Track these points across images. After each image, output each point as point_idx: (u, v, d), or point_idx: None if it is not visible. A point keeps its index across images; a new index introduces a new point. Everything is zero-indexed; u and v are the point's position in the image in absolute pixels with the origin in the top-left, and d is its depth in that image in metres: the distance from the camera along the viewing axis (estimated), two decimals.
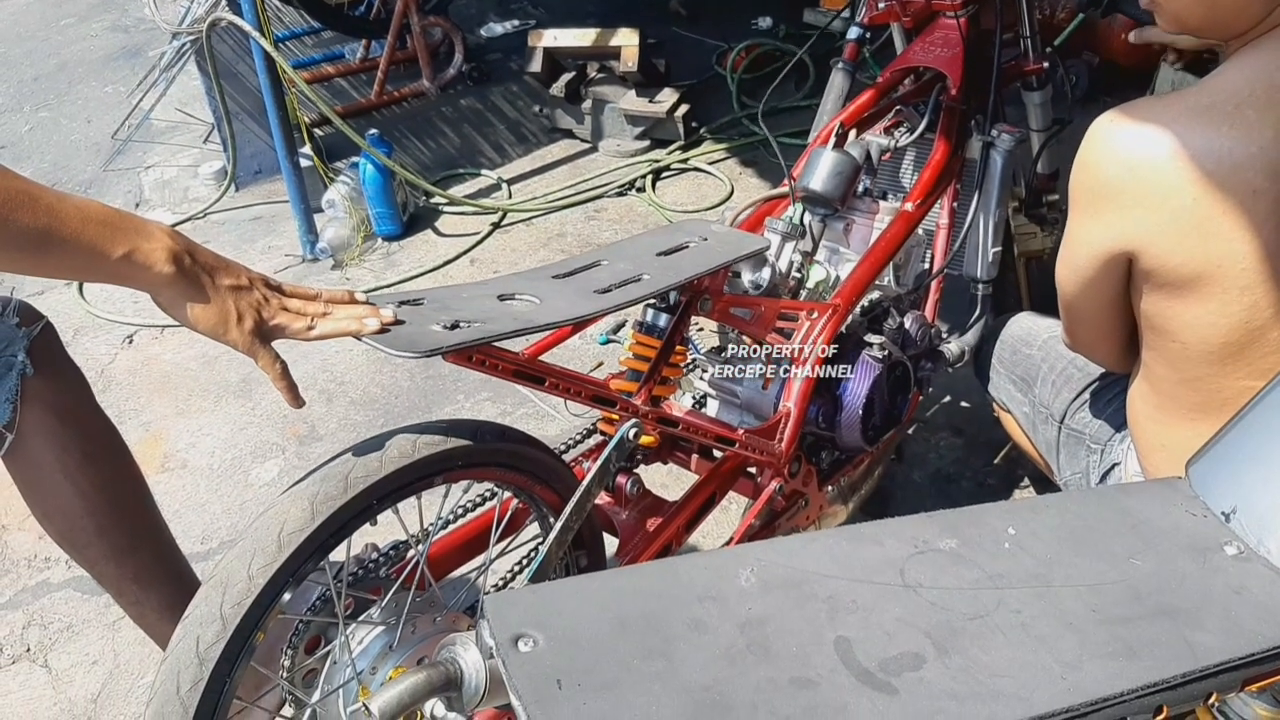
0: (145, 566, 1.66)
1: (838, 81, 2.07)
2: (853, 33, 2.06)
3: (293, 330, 1.15)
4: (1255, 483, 0.95)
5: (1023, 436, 1.87)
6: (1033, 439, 1.82)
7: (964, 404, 2.53)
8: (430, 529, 1.38)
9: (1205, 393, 1.31)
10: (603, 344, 2.77)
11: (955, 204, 1.98)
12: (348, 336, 1.18)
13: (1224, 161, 1.17)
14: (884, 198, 1.94)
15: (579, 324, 1.39)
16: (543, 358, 1.52)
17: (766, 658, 0.78)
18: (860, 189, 1.87)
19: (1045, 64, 2.09)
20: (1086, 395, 1.69)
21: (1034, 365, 1.80)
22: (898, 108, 1.99)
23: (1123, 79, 3.57)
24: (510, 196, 3.80)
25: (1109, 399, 1.66)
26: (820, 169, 1.79)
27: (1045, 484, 1.96)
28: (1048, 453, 1.77)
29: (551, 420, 2.64)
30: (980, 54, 1.96)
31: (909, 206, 1.85)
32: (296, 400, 1.21)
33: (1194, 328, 1.27)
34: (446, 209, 3.71)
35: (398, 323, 1.19)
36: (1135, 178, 1.22)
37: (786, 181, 1.84)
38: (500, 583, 1.64)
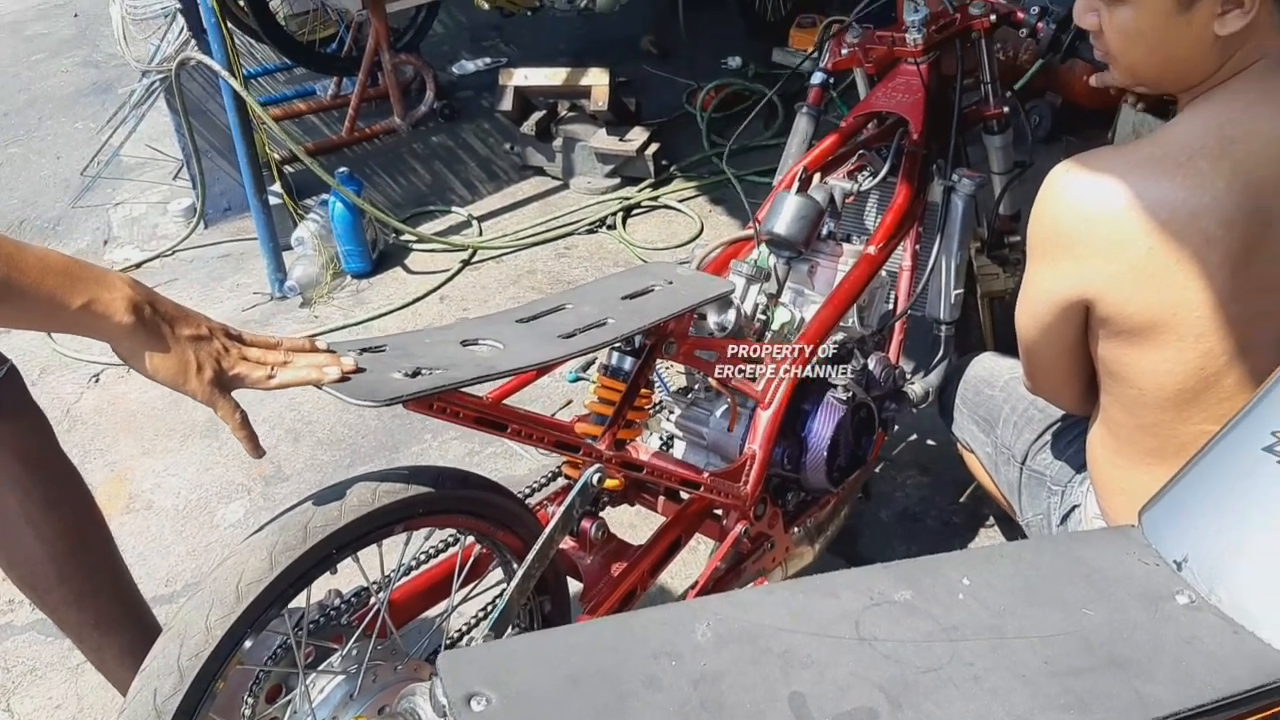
0: (106, 612, 1.64)
1: (802, 126, 2.09)
2: (817, 78, 2.09)
3: (252, 380, 1.15)
4: (1206, 531, 0.96)
5: (986, 476, 1.89)
6: (995, 479, 1.84)
7: (930, 442, 2.54)
8: (392, 576, 1.38)
9: (1162, 438, 1.33)
10: (572, 381, 2.75)
11: (918, 246, 2.01)
12: (308, 385, 1.17)
13: (1178, 211, 1.18)
14: (848, 240, 1.96)
15: (542, 369, 1.39)
16: (510, 399, 1.53)
17: (720, 715, 0.78)
18: (824, 232, 1.89)
19: (1005, 109, 2.13)
20: (1048, 436, 1.71)
21: (996, 406, 1.82)
22: (861, 152, 2.01)
23: (1085, 119, 3.64)
24: (480, 234, 3.81)
25: (1069, 440, 1.67)
26: (784, 213, 1.81)
27: (1010, 523, 1.97)
28: (1010, 493, 1.79)
29: (520, 459, 2.64)
30: (941, 99, 1.99)
31: (872, 249, 1.87)
32: (256, 450, 1.21)
33: (1150, 374, 1.29)
34: (416, 246, 3.71)
35: (358, 370, 1.19)
36: (1091, 228, 1.24)
37: (751, 224, 1.86)
38: (465, 627, 1.63)
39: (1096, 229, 1.24)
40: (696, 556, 2.16)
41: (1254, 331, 1.23)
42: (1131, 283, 1.23)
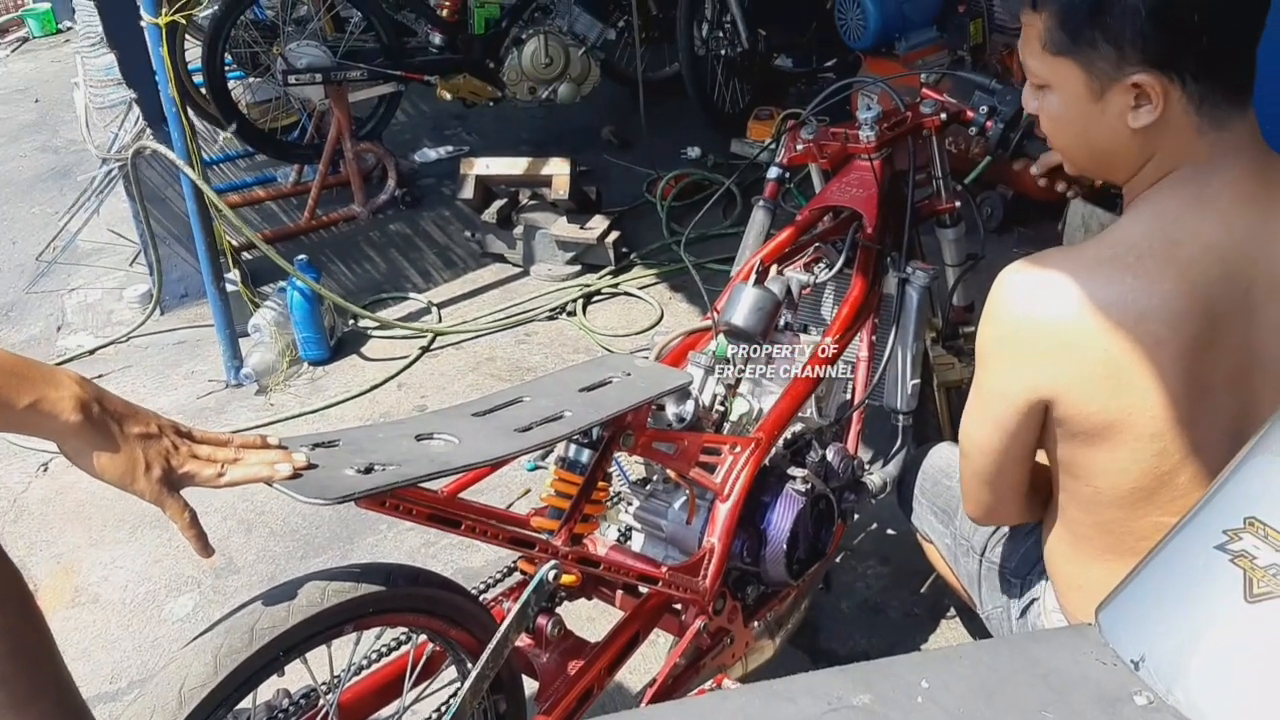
0: (46, 715, 1.58)
1: (759, 218, 2.12)
2: (772, 172, 2.12)
3: (202, 478, 1.13)
4: (1162, 629, 0.96)
5: (945, 568, 1.88)
6: (955, 570, 1.83)
7: (890, 531, 2.54)
8: (341, 676, 1.34)
9: (1117, 534, 1.33)
10: (530, 470, 2.75)
11: (874, 337, 2.03)
12: (259, 482, 1.15)
13: (1129, 312, 1.20)
14: (805, 331, 1.98)
15: (497, 464, 1.38)
16: (467, 491, 1.51)
17: None
18: (781, 323, 1.90)
19: (957, 203, 2.17)
20: (1005, 529, 1.71)
21: (954, 497, 1.82)
22: (816, 245, 2.04)
23: (1036, 211, 3.72)
24: (440, 320, 3.81)
25: (1027, 532, 1.67)
26: (742, 304, 1.82)
27: (972, 614, 1.96)
28: (970, 584, 1.78)
29: (476, 550, 2.60)
30: (895, 194, 2.03)
31: (829, 340, 1.89)
32: (206, 550, 1.18)
33: (1106, 474, 1.29)
34: (375, 333, 3.70)
35: (310, 466, 1.17)
36: (1046, 331, 1.25)
37: (710, 315, 1.87)
38: None
39: (1053, 331, 1.24)
40: (656, 650, 2.13)
41: (1206, 429, 1.24)
42: (1089, 384, 1.24)
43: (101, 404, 1.08)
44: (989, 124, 2.00)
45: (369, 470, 1.19)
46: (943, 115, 2.05)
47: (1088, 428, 1.26)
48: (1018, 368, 1.30)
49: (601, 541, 1.72)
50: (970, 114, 2.02)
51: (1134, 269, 1.21)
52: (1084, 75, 1.23)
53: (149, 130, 3.43)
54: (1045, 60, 1.27)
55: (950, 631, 2.26)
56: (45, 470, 3.05)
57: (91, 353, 3.72)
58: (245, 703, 1.23)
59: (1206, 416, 1.23)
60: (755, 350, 1.88)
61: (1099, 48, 1.20)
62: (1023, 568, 1.66)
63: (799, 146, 2.03)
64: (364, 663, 1.44)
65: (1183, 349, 1.19)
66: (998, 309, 1.30)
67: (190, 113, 3.23)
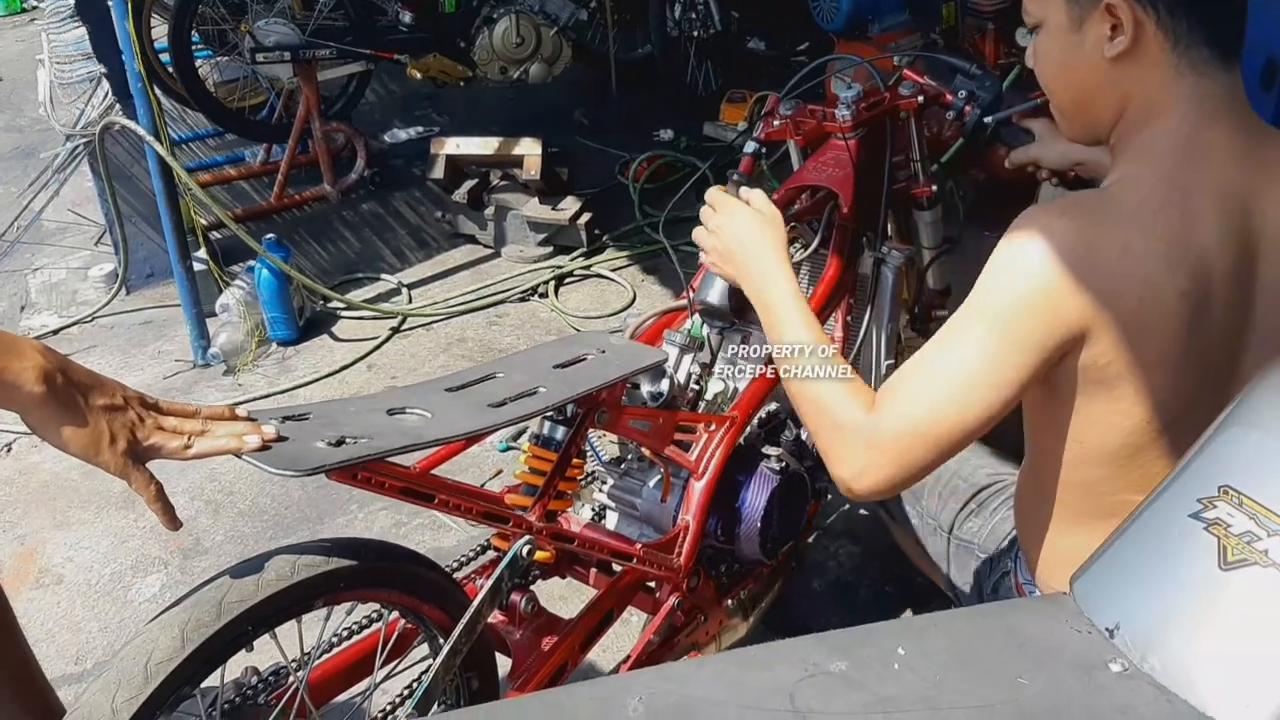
0: (6, 696, 1.56)
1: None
2: (749, 148, 2.11)
3: (169, 450, 1.11)
4: (1137, 598, 0.96)
5: (914, 547, 1.88)
6: (923, 550, 1.84)
7: (862, 511, 2.55)
8: (311, 653, 1.32)
9: (1097, 496, 1.31)
10: (502, 451, 2.74)
11: (849, 317, 2.02)
12: (227, 455, 1.13)
13: (1160, 261, 1.17)
14: None
15: (471, 439, 1.36)
16: (438, 469, 1.49)
17: None
18: None
19: (934, 186, 2.17)
20: (973, 505, 1.71)
21: None
22: (793, 224, 2.03)
23: (1008, 196, 3.74)
24: (410, 301, 3.78)
25: (995, 508, 1.68)
26: (717, 283, 1.81)
27: (942, 592, 1.97)
28: (939, 562, 1.79)
29: (448, 531, 2.59)
30: (871, 174, 2.03)
31: None
32: (173, 523, 1.16)
33: (1097, 427, 1.26)
34: (345, 314, 3.67)
35: (280, 439, 1.15)
36: (1097, 269, 1.18)
37: (685, 295, 1.86)
38: (388, 707, 1.57)
39: (1103, 269, 1.18)
40: (629, 629, 2.13)
41: (1198, 386, 1.23)
42: (1122, 330, 1.20)
43: (66, 374, 1.05)
44: (967, 108, 1.99)
45: (340, 443, 1.17)
46: (921, 98, 2.05)
47: (1108, 375, 1.22)
48: (1059, 311, 1.20)
49: (575, 520, 1.72)
50: (949, 98, 2.02)
51: (1160, 218, 1.18)
52: (1065, 4, 1.24)
53: (118, 106, 3.38)
54: None
55: (921, 609, 2.27)
56: (8, 451, 3.01)
57: (56, 333, 3.66)
58: (213, 680, 1.22)
59: (1201, 374, 1.23)
60: (730, 329, 1.88)
61: None
62: (991, 543, 1.67)
63: (776, 123, 2.02)
64: (334, 640, 1.43)
65: (1199, 304, 1.18)
66: (1033, 253, 1.20)
67: (157, 91, 3.18)
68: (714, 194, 1.63)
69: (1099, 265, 1.18)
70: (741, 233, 1.54)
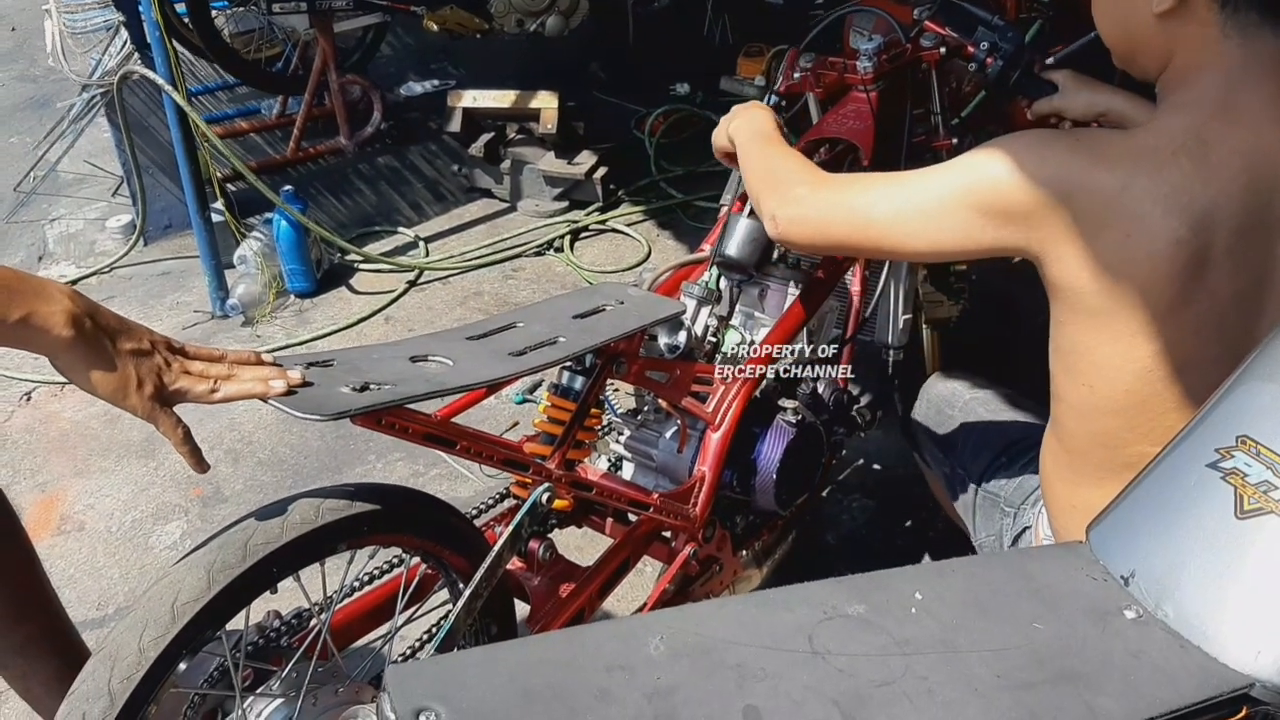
0: (32, 638, 1.58)
1: None
2: (769, 100, 2.10)
3: (195, 394, 1.12)
4: (1152, 547, 0.97)
5: (945, 496, 1.90)
6: (953, 500, 1.85)
7: (876, 466, 2.56)
8: (334, 597, 1.34)
9: (1111, 449, 1.32)
10: (518, 403, 2.75)
11: (867, 271, 2.02)
12: (253, 399, 1.15)
13: (1159, 205, 1.18)
14: (798, 265, 1.97)
15: (492, 387, 1.37)
16: (456, 419, 1.51)
17: None
18: (774, 255, 1.89)
19: (954, 140, 2.15)
20: (1003, 459, 1.72)
21: (955, 427, 1.83)
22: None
23: None
24: (427, 255, 3.78)
25: (1024, 463, 1.69)
26: (736, 235, 1.81)
27: (957, 547, 1.98)
28: (965, 514, 1.80)
29: (465, 481, 2.61)
30: (891, 127, 2.01)
31: (822, 274, 1.88)
32: (201, 465, 1.18)
33: (1102, 370, 1.28)
34: (362, 266, 3.68)
35: (305, 384, 1.17)
36: (1084, 188, 1.21)
37: (703, 247, 1.86)
38: (408, 651, 1.60)
39: (1092, 190, 1.20)
40: (644, 579, 2.15)
41: (1207, 342, 1.23)
42: (1093, 254, 1.20)
43: (94, 319, 1.06)
44: (989, 60, 1.97)
45: (364, 389, 1.18)
46: (942, 50, 2.03)
47: (1089, 305, 1.24)
48: (1010, 194, 1.24)
49: (593, 471, 1.73)
50: (971, 49, 2.00)
51: (1169, 164, 1.18)
52: None
53: (136, 56, 3.36)
54: None
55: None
56: (28, 400, 3.03)
57: (74, 283, 3.67)
58: (236, 622, 1.24)
59: (1210, 330, 1.23)
60: (748, 282, 1.88)
61: None
62: (1017, 497, 1.67)
63: (796, 75, 2.01)
64: (356, 584, 1.45)
65: (1197, 254, 1.18)
66: (1042, 148, 1.24)
67: (174, 41, 3.17)
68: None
69: (1094, 189, 1.21)
70: (739, 116, 1.75)
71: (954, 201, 1.30)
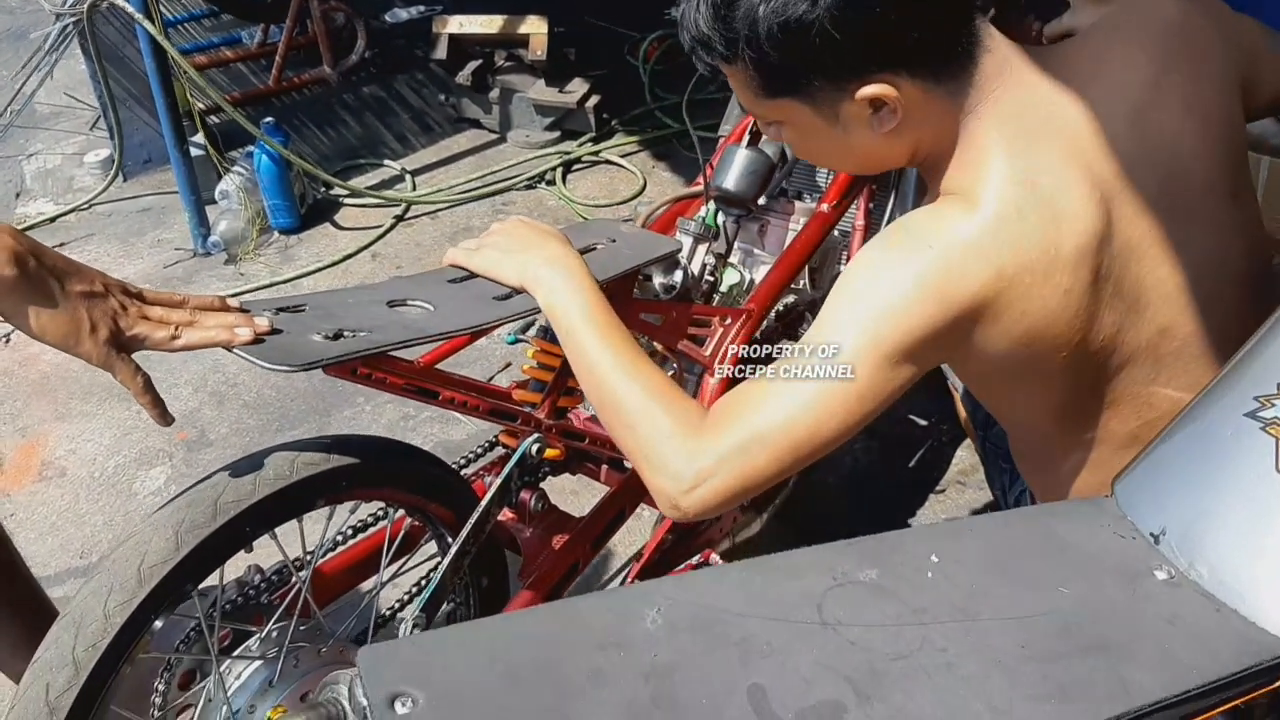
0: None
1: None
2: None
3: (154, 341, 1.04)
4: (1185, 501, 0.90)
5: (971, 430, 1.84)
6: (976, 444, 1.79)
7: None
8: (314, 552, 1.28)
9: (1058, 449, 1.29)
10: (510, 344, 2.64)
11: (871, 205, 1.93)
12: (217, 347, 1.07)
13: (1035, 273, 1.07)
14: (799, 198, 1.89)
15: (475, 333, 1.30)
16: (443, 363, 1.43)
17: (674, 712, 0.70)
18: (775, 189, 1.81)
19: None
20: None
21: None
22: None
23: None
24: (414, 188, 3.68)
25: None
26: (734, 167, 1.72)
27: (959, 486, 1.93)
28: (982, 461, 1.74)
29: (458, 423, 2.55)
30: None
31: (824, 208, 1.79)
32: (164, 418, 1.11)
33: (1023, 410, 1.26)
34: (347, 201, 3.58)
35: (274, 332, 1.09)
36: (971, 293, 1.07)
37: (700, 179, 1.77)
38: (396, 605, 1.54)
39: (977, 292, 1.06)
40: (641, 525, 2.10)
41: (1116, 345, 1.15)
42: (1004, 338, 1.10)
43: (39, 258, 0.98)
44: None
45: (337, 336, 1.11)
46: None
47: (999, 374, 1.17)
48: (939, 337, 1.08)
49: (585, 417, 1.66)
50: None
51: (1019, 224, 1.06)
52: (809, 108, 1.11)
53: None
54: (765, 104, 1.15)
55: (938, 504, 2.23)
56: (7, 342, 2.96)
57: (53, 220, 3.58)
58: (213, 579, 1.18)
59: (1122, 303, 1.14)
60: (747, 217, 1.80)
61: (813, 79, 1.08)
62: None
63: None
64: (338, 539, 1.39)
65: (1087, 283, 1.09)
66: (908, 280, 1.06)
67: None
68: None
69: (965, 292, 1.06)
70: (541, 264, 1.24)
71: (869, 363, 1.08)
